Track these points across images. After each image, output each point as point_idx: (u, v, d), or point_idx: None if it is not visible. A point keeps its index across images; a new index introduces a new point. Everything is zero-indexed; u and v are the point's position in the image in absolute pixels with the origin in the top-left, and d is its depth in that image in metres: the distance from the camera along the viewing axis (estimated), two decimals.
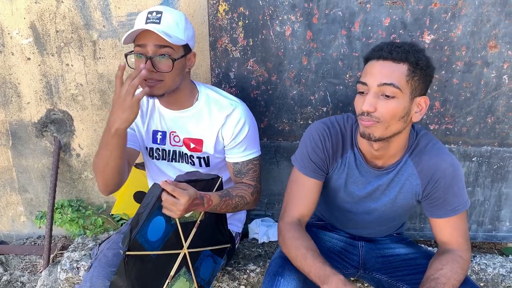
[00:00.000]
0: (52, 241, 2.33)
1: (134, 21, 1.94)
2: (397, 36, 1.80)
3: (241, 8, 1.80)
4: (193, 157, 1.67)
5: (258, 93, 1.95)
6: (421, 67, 1.26)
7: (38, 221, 2.33)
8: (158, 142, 1.68)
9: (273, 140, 2.04)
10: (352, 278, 1.88)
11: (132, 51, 1.47)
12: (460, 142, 1.99)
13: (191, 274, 1.50)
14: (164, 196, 1.27)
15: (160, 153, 1.69)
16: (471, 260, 1.95)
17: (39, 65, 2.06)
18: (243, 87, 1.95)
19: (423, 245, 1.98)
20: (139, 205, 2.16)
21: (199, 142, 1.63)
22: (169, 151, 1.68)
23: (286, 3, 1.77)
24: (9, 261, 2.32)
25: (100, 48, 2.01)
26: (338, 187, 1.52)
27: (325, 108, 1.95)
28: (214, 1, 1.79)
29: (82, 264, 1.94)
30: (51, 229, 2.19)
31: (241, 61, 1.89)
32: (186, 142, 1.64)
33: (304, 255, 1.35)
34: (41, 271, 2.18)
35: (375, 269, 1.64)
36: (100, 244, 1.67)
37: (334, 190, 1.54)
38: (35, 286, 2.15)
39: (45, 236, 2.18)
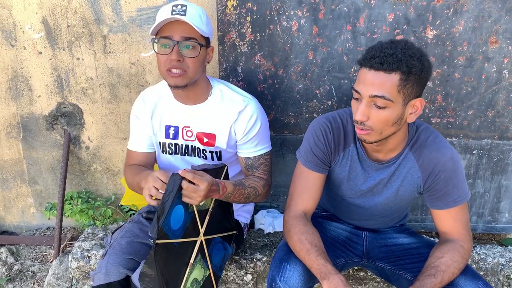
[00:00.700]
0: (62, 232, 2.38)
1: (144, 16, 1.99)
2: (401, 31, 1.85)
3: (249, 4, 1.84)
4: (205, 151, 1.71)
5: (264, 87, 2.00)
6: (414, 73, 1.25)
7: (48, 212, 2.39)
8: (171, 137, 1.71)
9: (279, 133, 2.09)
10: (355, 267, 1.93)
11: (156, 39, 1.51)
12: (461, 135, 2.04)
13: (206, 261, 1.55)
14: (185, 184, 1.32)
15: (173, 147, 1.73)
16: (471, 251, 2.01)
17: (50, 59, 2.11)
18: (250, 81, 2.00)
19: (424, 236, 2.03)
20: None
21: (212, 137, 1.68)
22: (182, 145, 1.73)
23: None
24: (20, 251, 2.38)
25: (110, 43, 2.06)
26: (341, 181, 1.57)
27: (330, 102, 2.00)
28: None
29: (93, 253, 1.99)
30: (61, 220, 2.24)
31: (249, 55, 1.94)
32: (199, 137, 1.68)
33: (308, 250, 1.39)
34: (52, 261, 2.23)
35: (378, 258, 1.69)
36: (113, 233, 1.72)
37: (337, 183, 1.59)
38: (46, 275, 2.20)
39: (56, 226, 2.23)
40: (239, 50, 1.93)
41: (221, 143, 1.68)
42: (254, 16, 1.86)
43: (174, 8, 1.47)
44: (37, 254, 2.37)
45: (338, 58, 1.91)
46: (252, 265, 1.95)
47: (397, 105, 1.28)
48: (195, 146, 1.71)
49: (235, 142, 1.69)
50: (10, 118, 2.24)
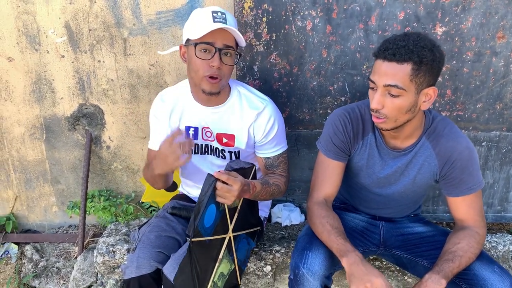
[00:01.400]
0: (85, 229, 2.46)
1: (162, 19, 2.07)
2: (411, 29, 1.92)
3: (265, 5, 1.92)
4: (224, 151, 1.77)
5: (280, 85, 2.08)
6: (425, 63, 1.32)
7: (70, 210, 2.46)
8: (191, 137, 1.77)
9: (294, 129, 2.17)
10: (371, 256, 2.00)
11: (197, 43, 1.53)
12: (470, 127, 2.11)
13: (232, 256, 1.62)
14: (220, 185, 1.40)
15: (193, 148, 1.78)
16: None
17: (72, 62, 2.19)
18: (266, 79, 2.07)
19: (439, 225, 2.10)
20: (168, 193, 2.28)
21: (231, 137, 1.73)
22: (201, 145, 1.78)
23: None
24: (44, 249, 2.45)
25: (130, 45, 2.13)
26: (360, 168, 1.65)
27: (344, 98, 2.07)
28: None
29: (118, 248, 2.06)
30: (84, 217, 2.32)
31: (265, 54, 2.02)
32: (218, 137, 1.74)
33: (329, 232, 1.49)
34: (76, 257, 2.31)
35: (395, 247, 1.75)
36: (139, 228, 1.78)
37: (356, 171, 1.67)
38: (71, 270, 2.28)
39: (79, 223, 2.31)
40: (255, 50, 2.01)
41: (240, 143, 1.73)
42: (270, 17, 1.94)
43: (214, 14, 1.51)
44: (61, 251, 2.45)
45: (351, 55, 1.98)
46: (271, 256, 2.02)
47: (410, 93, 1.35)
48: (213, 146, 1.77)
49: (254, 143, 1.75)
50: (34, 120, 2.32)
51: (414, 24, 1.92)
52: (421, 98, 1.38)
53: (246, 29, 1.97)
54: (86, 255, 2.26)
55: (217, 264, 1.54)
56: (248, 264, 2.03)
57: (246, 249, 1.74)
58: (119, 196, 2.47)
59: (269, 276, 2.04)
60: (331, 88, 2.06)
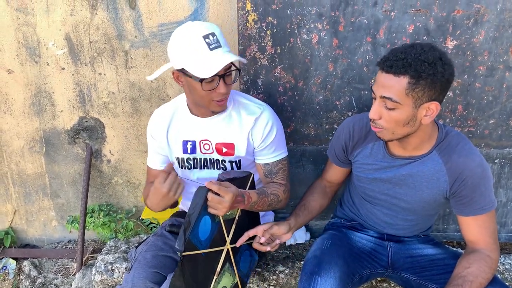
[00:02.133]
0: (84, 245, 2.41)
1: (165, 31, 2.03)
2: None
3: (269, 18, 1.87)
4: (225, 162, 1.72)
5: (285, 99, 2.02)
6: (424, 78, 1.27)
7: (69, 225, 2.42)
8: (189, 151, 1.72)
9: (299, 144, 2.10)
10: (379, 278, 1.93)
11: (203, 80, 1.47)
12: (483, 144, 2.04)
13: (233, 269, 1.56)
14: (210, 195, 1.36)
15: (191, 162, 1.74)
16: (498, 261, 1.99)
17: (72, 75, 2.15)
18: (270, 94, 2.01)
19: (450, 246, 2.02)
20: (168, 209, 2.21)
21: (231, 146, 1.69)
22: (200, 159, 1.74)
23: (313, 12, 1.84)
24: (43, 264, 2.40)
25: (131, 58, 2.09)
26: (362, 176, 1.64)
27: (350, 113, 2.01)
28: (244, 12, 1.86)
29: (116, 266, 2.01)
30: (83, 233, 2.27)
31: (269, 68, 1.96)
32: (218, 147, 1.70)
33: (299, 203, 1.75)
34: (74, 274, 2.26)
35: (403, 269, 1.68)
36: (137, 247, 1.73)
37: (358, 178, 1.66)
38: None
39: (78, 239, 2.26)
40: (259, 63, 1.95)
41: (240, 151, 1.69)
42: (275, 30, 1.89)
43: (207, 41, 1.44)
44: (60, 267, 2.39)
45: (358, 69, 1.92)
46: (274, 277, 1.96)
47: (406, 107, 1.31)
48: (213, 158, 1.73)
49: (253, 149, 1.71)
50: (33, 133, 2.28)
51: (424, 38, 1.85)
52: (421, 112, 1.33)
53: (250, 42, 1.91)
54: (85, 272, 2.20)
55: (215, 277, 1.48)
56: (251, 285, 1.96)
57: (249, 261, 1.68)
58: (119, 211, 2.41)
59: None
60: (337, 103, 1.99)
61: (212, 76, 1.46)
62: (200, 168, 1.75)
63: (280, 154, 1.73)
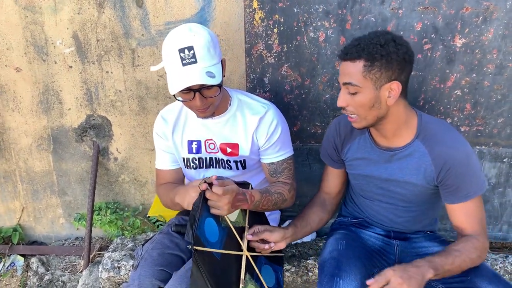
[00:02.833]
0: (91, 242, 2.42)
1: (171, 29, 2.02)
2: (429, 40, 1.84)
3: (276, 16, 1.86)
4: (229, 162, 1.72)
5: (291, 97, 2.01)
6: (378, 59, 1.33)
7: (77, 223, 2.43)
8: (194, 151, 1.72)
9: (305, 143, 2.10)
10: None
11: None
12: (491, 143, 2.02)
13: (259, 282, 1.51)
14: (208, 192, 1.36)
15: (197, 162, 1.74)
16: (504, 261, 1.97)
17: (80, 73, 2.15)
18: (277, 92, 2.01)
19: None
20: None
21: (235, 146, 1.69)
22: (206, 158, 1.74)
23: (320, 10, 1.83)
24: (50, 261, 2.42)
25: (138, 56, 2.09)
26: (356, 173, 1.66)
27: None
28: (251, 10, 1.85)
29: (123, 264, 2.01)
30: (90, 230, 2.28)
31: (276, 66, 1.95)
32: (222, 148, 1.69)
33: (298, 216, 1.72)
34: (82, 271, 2.27)
35: None
36: (143, 244, 1.73)
37: (354, 176, 1.68)
38: (76, 285, 2.23)
39: (85, 236, 2.27)
40: (266, 62, 1.95)
41: (244, 151, 1.69)
42: (281, 28, 1.88)
43: (182, 55, 1.41)
44: (67, 264, 2.41)
45: None
46: None
47: (367, 89, 1.36)
48: (218, 158, 1.73)
49: (258, 148, 1.71)
50: (41, 130, 2.29)
51: (432, 36, 1.84)
52: (383, 93, 1.37)
53: (257, 40, 1.91)
54: (92, 269, 2.21)
55: (241, 285, 1.42)
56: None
57: (275, 276, 1.64)
58: (126, 208, 2.42)
59: None
60: None
61: (184, 90, 1.44)
62: (206, 168, 1.75)
63: (285, 153, 1.72)
